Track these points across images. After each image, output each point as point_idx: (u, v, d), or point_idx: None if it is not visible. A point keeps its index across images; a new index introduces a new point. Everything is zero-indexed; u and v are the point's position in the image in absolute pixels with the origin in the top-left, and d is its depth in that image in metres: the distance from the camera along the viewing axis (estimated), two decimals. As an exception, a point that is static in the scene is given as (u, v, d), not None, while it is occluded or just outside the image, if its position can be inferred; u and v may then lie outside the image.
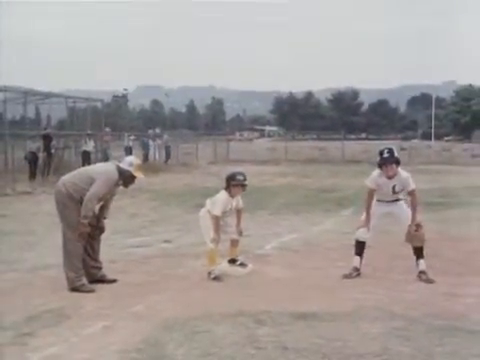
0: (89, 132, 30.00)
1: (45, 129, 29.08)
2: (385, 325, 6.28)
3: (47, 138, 25.92)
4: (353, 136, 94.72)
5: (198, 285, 8.04)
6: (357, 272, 8.56)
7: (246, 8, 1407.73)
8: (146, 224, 13.21)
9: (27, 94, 31.40)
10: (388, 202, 8.49)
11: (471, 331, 6.10)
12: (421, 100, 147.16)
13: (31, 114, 46.08)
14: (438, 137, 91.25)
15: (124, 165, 8.06)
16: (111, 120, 74.81)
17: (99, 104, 39.91)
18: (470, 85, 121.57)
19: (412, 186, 8.33)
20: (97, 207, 8.15)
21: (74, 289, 7.68)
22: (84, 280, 7.81)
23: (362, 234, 8.61)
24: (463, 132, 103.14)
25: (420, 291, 7.70)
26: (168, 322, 6.39)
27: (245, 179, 8.69)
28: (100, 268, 8.19)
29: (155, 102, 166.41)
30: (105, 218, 8.26)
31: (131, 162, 8.17)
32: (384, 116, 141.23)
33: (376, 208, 8.54)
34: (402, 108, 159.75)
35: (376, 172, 8.43)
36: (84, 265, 7.91)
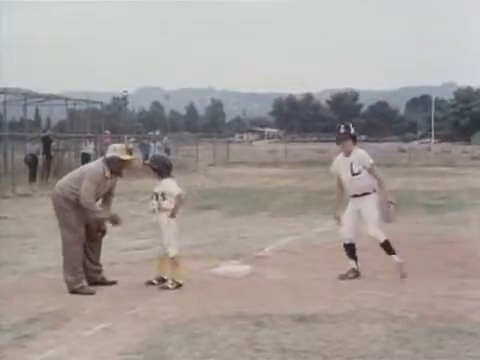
0: (89, 134, 30.01)
1: (45, 131, 29.12)
2: (385, 327, 6.28)
3: (47, 140, 25.92)
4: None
5: (198, 287, 8.04)
6: (355, 273, 8.57)
7: (246, 9, 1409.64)
8: (146, 226, 13.20)
9: (27, 96, 31.45)
10: (357, 197, 8.47)
11: (471, 333, 6.10)
12: (420, 102, 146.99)
13: (31, 116, 46.14)
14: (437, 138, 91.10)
15: (109, 154, 8.03)
16: (111, 122, 74.88)
17: (99, 106, 39.97)
18: (469, 87, 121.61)
19: (370, 161, 8.41)
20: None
21: (74, 291, 7.67)
22: (84, 282, 7.80)
23: (344, 235, 8.65)
24: (463, 134, 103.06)
25: (420, 293, 7.70)
26: (168, 324, 6.39)
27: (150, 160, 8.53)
28: (100, 271, 8.19)
29: (155, 104, 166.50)
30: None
31: (114, 148, 8.13)
32: (383, 118, 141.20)
33: (349, 206, 8.62)
34: (401, 110, 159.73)
35: (337, 156, 8.65)
36: (84, 268, 7.91)
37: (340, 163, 8.56)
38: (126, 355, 5.55)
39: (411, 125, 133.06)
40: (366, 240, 11.34)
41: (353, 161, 8.40)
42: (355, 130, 8.59)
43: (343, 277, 8.48)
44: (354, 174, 8.40)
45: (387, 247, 8.52)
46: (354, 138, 8.54)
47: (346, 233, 8.65)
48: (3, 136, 26.31)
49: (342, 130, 8.51)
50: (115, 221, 8.05)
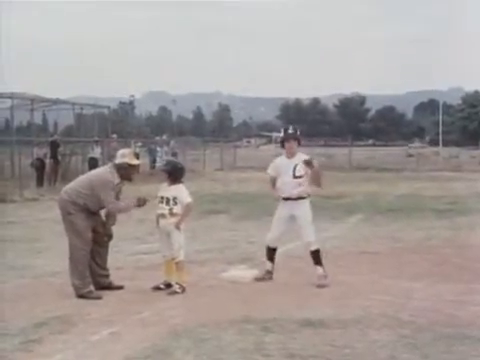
0: (96, 139, 30.02)
1: (52, 136, 29.13)
2: (393, 332, 6.25)
3: (54, 145, 25.96)
4: (360, 142, 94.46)
5: (205, 292, 8.03)
6: (269, 275, 8.73)
7: (253, 13, 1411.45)
8: (153, 231, 13.19)
9: (34, 101, 31.47)
10: (291, 201, 8.46)
11: (479, 339, 6.07)
12: (428, 106, 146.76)
13: (38, 121, 46.20)
14: (445, 144, 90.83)
15: (118, 160, 8.06)
16: (118, 127, 74.97)
17: (106, 111, 39.96)
18: (476, 91, 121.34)
19: (315, 164, 8.45)
20: (103, 213, 8.16)
21: (81, 296, 7.67)
22: (91, 287, 7.79)
23: (272, 239, 8.77)
24: (471, 138, 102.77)
25: (428, 298, 7.66)
26: (175, 329, 6.38)
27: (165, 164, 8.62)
28: (107, 276, 8.18)
29: (162, 109, 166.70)
30: (113, 224, 8.25)
31: (123, 153, 8.16)
32: (391, 122, 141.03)
33: (281, 210, 8.62)
34: (409, 114, 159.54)
35: (277, 158, 8.83)
36: (91, 273, 7.91)
37: (282, 166, 8.61)
38: (133, 359, 5.55)
39: (419, 130, 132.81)
40: (375, 245, 11.35)
41: (297, 164, 8.43)
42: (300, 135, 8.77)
43: (259, 279, 8.62)
44: (296, 177, 8.42)
45: (316, 256, 8.53)
46: (299, 141, 8.64)
47: (274, 238, 8.74)
48: (10, 141, 26.35)
49: (291, 130, 8.62)
50: (141, 204, 8.05)
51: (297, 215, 8.47)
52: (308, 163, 8.36)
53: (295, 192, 8.42)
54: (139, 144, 38.21)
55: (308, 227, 8.49)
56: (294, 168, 8.42)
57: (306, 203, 8.53)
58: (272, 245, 8.77)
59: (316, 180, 8.51)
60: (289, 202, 8.48)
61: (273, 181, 8.69)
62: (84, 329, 6.43)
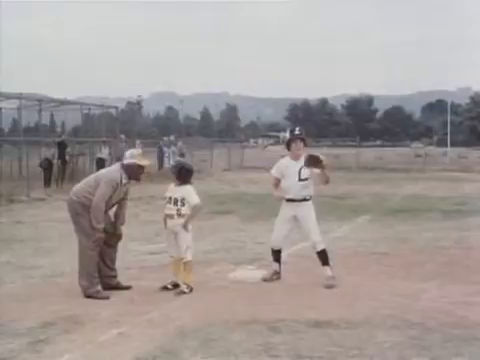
0: (104, 139, 30.06)
1: (60, 136, 29.19)
2: (401, 333, 6.23)
3: (62, 145, 26.01)
4: (368, 143, 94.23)
5: (212, 292, 8.02)
6: (277, 275, 8.71)
7: (260, 14, 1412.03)
8: (160, 231, 13.19)
9: (42, 101, 31.57)
10: (295, 202, 8.42)
11: (489, 340, 6.04)
12: (436, 106, 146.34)
13: (46, 121, 46.31)
14: (453, 144, 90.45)
15: (127, 160, 8.06)
16: (126, 127, 75.06)
17: (113, 111, 40.04)
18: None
19: (324, 162, 8.35)
20: (112, 213, 8.16)
21: (89, 296, 7.67)
22: (99, 287, 7.79)
23: (276, 241, 8.72)
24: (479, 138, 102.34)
25: (436, 299, 7.63)
26: (183, 329, 6.37)
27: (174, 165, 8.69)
28: (115, 276, 8.18)
29: (170, 109, 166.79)
30: (122, 224, 8.24)
31: (132, 154, 8.17)
32: (399, 123, 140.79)
33: (284, 211, 8.57)
34: (417, 115, 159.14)
35: (282, 159, 8.70)
36: (100, 273, 7.91)
37: (287, 168, 8.53)
38: (141, 360, 5.54)
39: (427, 130, 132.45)
40: (383, 246, 11.31)
41: (302, 166, 8.37)
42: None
43: (267, 280, 8.60)
44: (301, 179, 8.38)
45: (323, 257, 8.50)
46: (305, 142, 8.59)
47: (277, 239, 8.69)
48: (18, 141, 26.45)
49: (297, 131, 8.54)
50: (96, 240, 7.79)
51: (300, 216, 8.44)
52: (316, 161, 8.31)
53: (300, 194, 8.40)
54: (139, 145, 38.14)
55: (313, 227, 8.45)
56: (300, 171, 8.38)
57: (309, 204, 8.50)
58: (276, 246, 8.74)
59: (323, 177, 8.45)
60: (293, 203, 8.45)
61: (276, 182, 8.66)
62: (92, 329, 6.43)
